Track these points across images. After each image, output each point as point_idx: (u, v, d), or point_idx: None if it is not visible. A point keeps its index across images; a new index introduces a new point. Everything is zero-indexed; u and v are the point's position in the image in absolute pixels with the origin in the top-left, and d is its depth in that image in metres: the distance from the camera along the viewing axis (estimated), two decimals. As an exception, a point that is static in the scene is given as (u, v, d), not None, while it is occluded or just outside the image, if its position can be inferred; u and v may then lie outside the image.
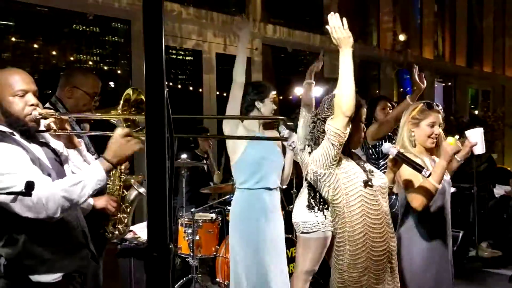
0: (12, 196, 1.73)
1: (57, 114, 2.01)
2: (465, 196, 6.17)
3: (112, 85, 6.43)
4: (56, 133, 1.99)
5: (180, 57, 7.22)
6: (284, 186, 3.59)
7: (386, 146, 2.46)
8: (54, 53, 6.05)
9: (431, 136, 2.68)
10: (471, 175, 5.91)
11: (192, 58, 7.14)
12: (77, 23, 5.97)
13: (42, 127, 1.97)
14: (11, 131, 1.90)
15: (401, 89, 11.88)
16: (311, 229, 3.28)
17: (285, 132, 3.18)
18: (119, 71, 6.60)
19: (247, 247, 3.04)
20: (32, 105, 1.90)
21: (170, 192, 0.94)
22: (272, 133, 3.30)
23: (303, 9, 8.93)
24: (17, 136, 1.91)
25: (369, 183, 2.30)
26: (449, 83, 13.31)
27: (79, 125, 2.75)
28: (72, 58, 6.28)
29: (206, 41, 6.51)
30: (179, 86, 7.26)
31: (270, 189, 3.08)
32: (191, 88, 7.24)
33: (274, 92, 3.22)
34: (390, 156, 2.44)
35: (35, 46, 5.86)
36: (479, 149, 2.95)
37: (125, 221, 2.69)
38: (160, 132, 0.94)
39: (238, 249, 3.08)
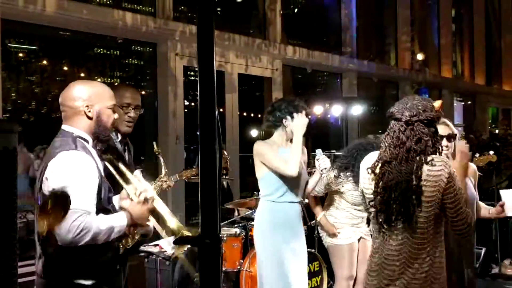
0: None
1: None
2: (486, 213, 6.17)
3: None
4: None
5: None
6: (306, 201, 3.72)
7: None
8: (82, 75, 6.29)
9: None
10: (492, 192, 5.94)
11: (214, 79, 7.31)
12: (99, 46, 6.20)
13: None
14: (87, 138, 2.07)
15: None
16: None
17: (320, 156, 3.29)
18: (143, 92, 6.81)
19: (272, 256, 3.17)
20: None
21: (218, 193, 1.09)
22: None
23: (321, 30, 9.11)
24: (90, 145, 2.06)
25: None
26: (469, 102, 13.30)
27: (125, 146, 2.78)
28: (98, 80, 6.51)
29: (229, 62, 6.71)
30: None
31: (292, 202, 3.21)
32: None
33: (305, 108, 3.22)
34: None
35: (63, 69, 6.11)
36: (510, 211, 2.84)
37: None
38: (211, 146, 1.10)
39: (263, 258, 3.21)
